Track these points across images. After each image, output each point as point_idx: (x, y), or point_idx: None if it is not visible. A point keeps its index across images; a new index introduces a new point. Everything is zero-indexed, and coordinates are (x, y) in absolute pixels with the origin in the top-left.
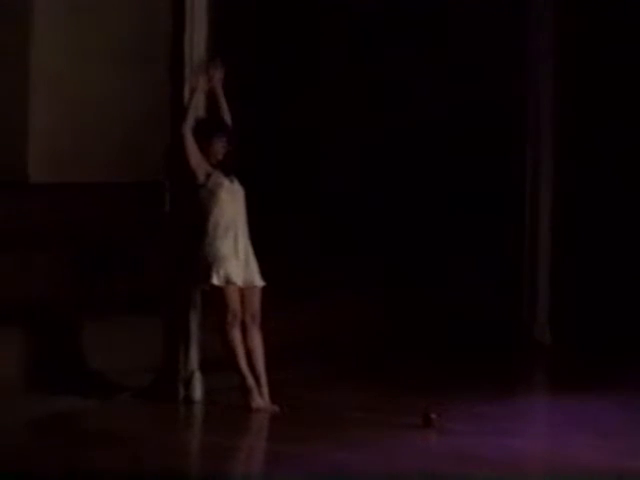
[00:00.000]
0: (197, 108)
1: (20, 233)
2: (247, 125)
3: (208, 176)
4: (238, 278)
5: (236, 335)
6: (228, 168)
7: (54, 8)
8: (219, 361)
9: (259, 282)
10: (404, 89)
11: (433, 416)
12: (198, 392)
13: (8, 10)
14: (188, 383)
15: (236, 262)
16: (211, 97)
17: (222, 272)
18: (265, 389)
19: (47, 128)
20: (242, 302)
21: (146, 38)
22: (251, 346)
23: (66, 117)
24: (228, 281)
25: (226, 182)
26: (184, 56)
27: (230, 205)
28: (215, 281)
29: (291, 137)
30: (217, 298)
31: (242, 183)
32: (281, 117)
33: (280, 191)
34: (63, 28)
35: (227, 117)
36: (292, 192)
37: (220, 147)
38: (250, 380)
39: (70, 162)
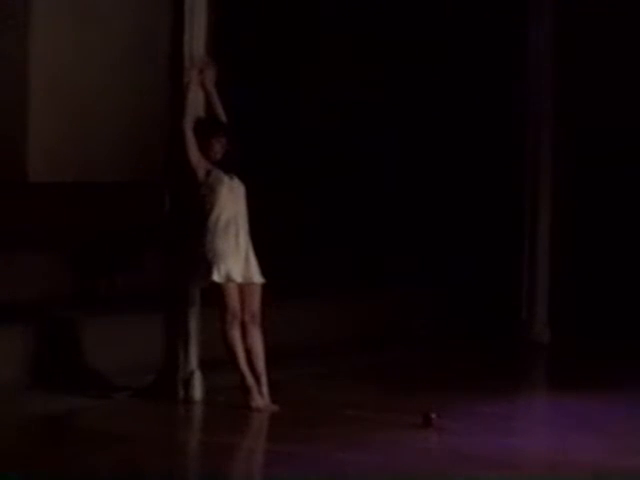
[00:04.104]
0: (196, 106)
1: (20, 233)
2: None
3: (208, 173)
4: (238, 275)
5: (236, 334)
6: (228, 166)
7: (54, 8)
8: (219, 360)
9: (259, 279)
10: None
11: (433, 416)
12: (198, 392)
13: (7, 11)
14: (188, 382)
15: (236, 259)
16: (206, 96)
17: (223, 269)
18: (265, 388)
19: (46, 128)
20: (242, 300)
21: (146, 38)
22: (251, 345)
23: (65, 117)
24: (228, 278)
25: (226, 179)
26: (184, 56)
27: (230, 202)
28: (216, 278)
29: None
30: (217, 296)
31: (242, 180)
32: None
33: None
34: (63, 28)
35: (222, 116)
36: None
37: (219, 147)
38: (250, 379)
39: (69, 162)
